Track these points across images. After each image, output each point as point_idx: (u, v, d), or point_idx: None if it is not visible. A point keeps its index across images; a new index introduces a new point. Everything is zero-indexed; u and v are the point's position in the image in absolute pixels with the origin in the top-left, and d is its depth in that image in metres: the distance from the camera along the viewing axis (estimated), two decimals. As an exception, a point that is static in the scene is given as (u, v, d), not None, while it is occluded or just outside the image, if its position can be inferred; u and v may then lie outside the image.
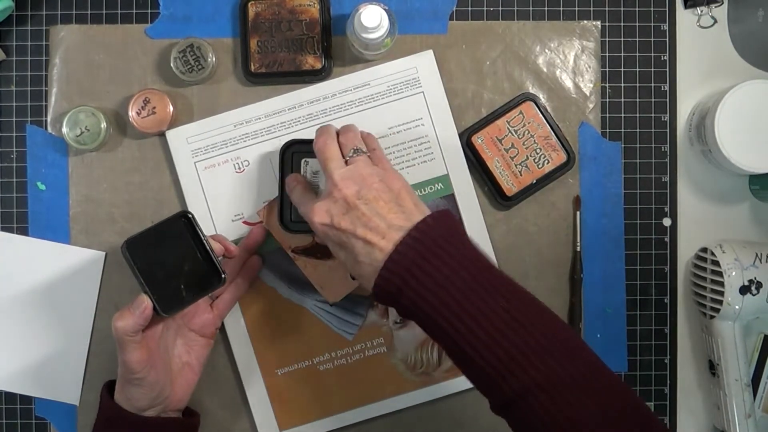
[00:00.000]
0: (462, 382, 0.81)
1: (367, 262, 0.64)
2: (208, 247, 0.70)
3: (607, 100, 0.82)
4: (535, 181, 0.80)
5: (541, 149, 0.80)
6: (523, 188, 0.80)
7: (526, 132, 0.80)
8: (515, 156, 0.80)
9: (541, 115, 0.80)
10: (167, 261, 0.70)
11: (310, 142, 0.73)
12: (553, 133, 0.80)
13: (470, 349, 0.60)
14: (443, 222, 0.65)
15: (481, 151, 0.80)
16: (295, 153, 0.76)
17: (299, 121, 0.80)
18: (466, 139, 0.80)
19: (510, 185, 0.80)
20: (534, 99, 0.80)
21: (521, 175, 0.80)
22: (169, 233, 0.70)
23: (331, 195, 0.67)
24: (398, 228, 0.64)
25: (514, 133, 0.80)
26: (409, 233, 0.63)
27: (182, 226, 0.70)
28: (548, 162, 0.80)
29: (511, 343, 0.59)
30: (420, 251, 0.62)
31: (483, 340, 0.60)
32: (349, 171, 0.68)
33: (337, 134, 0.72)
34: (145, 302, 0.68)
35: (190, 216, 0.70)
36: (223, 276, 0.70)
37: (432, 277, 0.61)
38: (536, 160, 0.80)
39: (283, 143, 0.76)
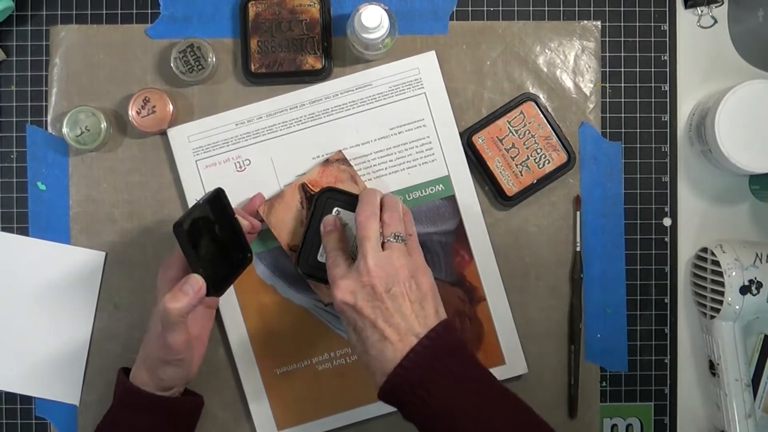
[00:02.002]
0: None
1: (376, 356, 0.65)
2: (237, 224, 0.71)
3: (608, 100, 0.82)
4: (535, 181, 0.80)
5: (541, 149, 0.80)
6: (524, 188, 0.80)
7: (527, 132, 0.80)
8: (516, 156, 0.80)
9: (541, 115, 0.80)
10: (209, 240, 0.70)
11: (347, 194, 0.74)
12: (553, 133, 0.80)
13: None
14: (452, 332, 0.67)
15: (481, 150, 0.80)
16: (329, 199, 0.75)
17: (300, 120, 0.80)
18: (467, 138, 0.80)
19: (510, 185, 0.80)
20: (535, 99, 0.80)
21: (522, 175, 0.80)
22: (207, 213, 0.70)
23: (360, 278, 0.66)
24: (416, 334, 0.65)
25: (514, 133, 0.80)
26: (420, 341, 0.65)
27: (216, 203, 0.71)
28: (549, 162, 0.80)
29: None
30: (433, 358, 0.64)
31: None
32: (384, 259, 0.67)
33: (381, 203, 0.71)
34: (200, 283, 0.68)
35: (222, 192, 0.71)
36: (249, 254, 0.71)
37: (440, 387, 0.64)
38: (537, 160, 0.80)
39: (321, 189, 0.76)
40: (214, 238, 0.70)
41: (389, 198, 0.72)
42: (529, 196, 0.81)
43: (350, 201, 0.74)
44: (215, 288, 0.70)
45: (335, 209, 0.75)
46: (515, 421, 0.64)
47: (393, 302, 0.66)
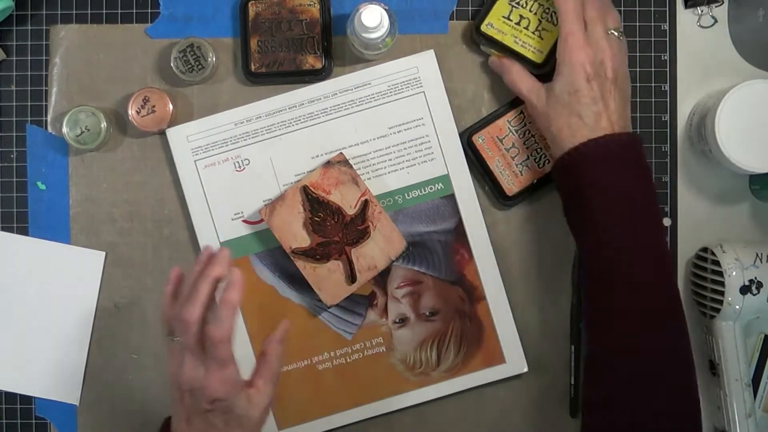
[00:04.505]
0: (460, 383, 0.81)
1: (587, 124, 0.71)
2: None
3: (607, 100, 0.82)
4: (535, 181, 0.80)
5: (541, 149, 0.80)
6: (524, 188, 0.80)
7: (527, 132, 0.80)
8: (516, 156, 0.80)
9: None
10: None
11: None
12: None
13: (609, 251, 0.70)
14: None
15: (481, 150, 0.80)
16: None
17: (300, 120, 0.80)
18: (467, 138, 0.80)
19: (510, 185, 0.80)
20: None
21: (522, 174, 0.80)
22: None
23: (598, 53, 0.71)
24: (622, 126, 0.71)
25: (514, 133, 0.80)
26: (631, 133, 0.72)
27: None
28: (549, 161, 0.80)
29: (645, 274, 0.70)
30: (634, 155, 0.72)
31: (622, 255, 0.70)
32: (615, 47, 0.73)
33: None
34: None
35: None
36: None
37: (633, 178, 0.71)
38: (537, 160, 0.80)
39: None
40: None
41: None
42: (529, 196, 0.81)
43: None
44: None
45: None
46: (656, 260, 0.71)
47: (614, 91, 0.71)
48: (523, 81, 0.76)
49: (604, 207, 0.70)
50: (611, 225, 0.70)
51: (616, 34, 0.73)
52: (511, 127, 0.80)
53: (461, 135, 0.80)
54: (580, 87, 0.71)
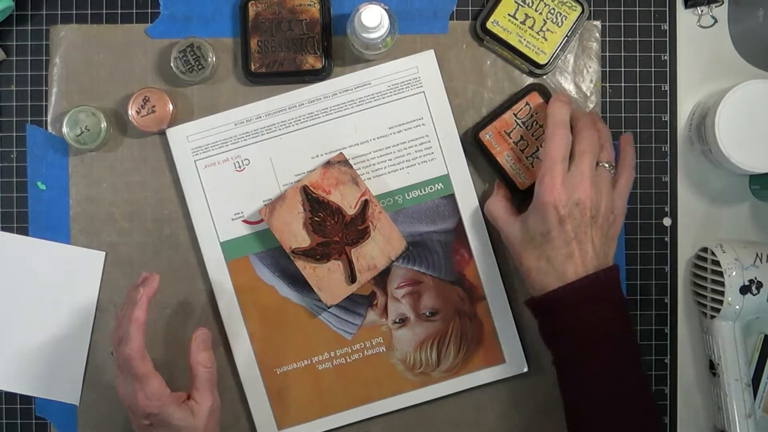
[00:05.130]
0: (460, 383, 0.81)
1: (556, 268, 0.69)
2: None
3: (608, 100, 0.82)
4: None
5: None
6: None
7: (534, 123, 0.79)
8: (525, 148, 0.79)
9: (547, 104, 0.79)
10: None
11: None
12: None
13: (580, 392, 0.70)
14: (617, 282, 0.72)
15: (489, 146, 0.79)
16: None
17: (300, 120, 0.80)
18: (473, 136, 0.79)
19: (522, 178, 0.79)
20: (539, 88, 0.79)
21: (533, 166, 0.79)
22: None
23: (575, 191, 0.69)
24: (596, 266, 0.70)
25: (521, 125, 0.79)
26: (603, 271, 0.69)
27: None
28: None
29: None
30: (603, 295, 0.70)
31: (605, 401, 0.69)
32: (598, 182, 0.70)
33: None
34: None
35: None
36: None
37: (601, 322, 0.69)
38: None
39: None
40: None
41: (598, 121, 0.75)
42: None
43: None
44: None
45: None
46: (630, 397, 0.70)
47: (591, 230, 0.69)
48: (499, 212, 0.76)
49: (577, 347, 0.70)
50: (585, 363, 0.70)
51: (607, 167, 0.72)
52: (517, 120, 0.79)
53: (467, 133, 0.80)
54: (550, 229, 0.69)
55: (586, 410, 0.70)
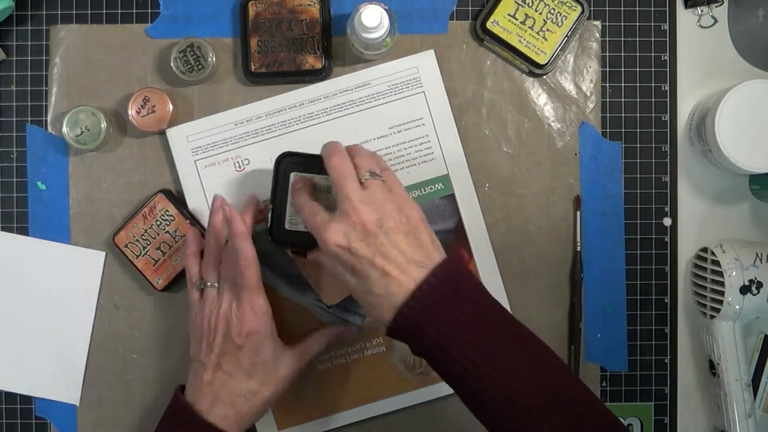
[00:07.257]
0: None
1: (382, 294, 0.63)
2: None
3: (608, 100, 0.82)
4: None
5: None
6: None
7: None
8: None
9: None
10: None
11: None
12: None
13: (481, 388, 0.62)
14: (464, 268, 0.66)
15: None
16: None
17: (299, 120, 0.80)
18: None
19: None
20: None
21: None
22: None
23: (349, 218, 0.64)
24: (417, 263, 0.63)
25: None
26: (432, 272, 0.63)
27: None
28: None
29: (524, 391, 0.61)
30: (445, 293, 0.63)
31: (499, 384, 0.61)
32: (368, 195, 0.65)
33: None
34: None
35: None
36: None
37: (457, 320, 0.62)
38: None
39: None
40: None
41: (352, 145, 0.71)
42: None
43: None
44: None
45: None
46: (531, 360, 0.63)
47: (387, 237, 0.64)
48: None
49: (451, 360, 0.62)
50: (469, 368, 0.62)
51: (369, 176, 0.67)
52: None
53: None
54: (351, 268, 0.64)
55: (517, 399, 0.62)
